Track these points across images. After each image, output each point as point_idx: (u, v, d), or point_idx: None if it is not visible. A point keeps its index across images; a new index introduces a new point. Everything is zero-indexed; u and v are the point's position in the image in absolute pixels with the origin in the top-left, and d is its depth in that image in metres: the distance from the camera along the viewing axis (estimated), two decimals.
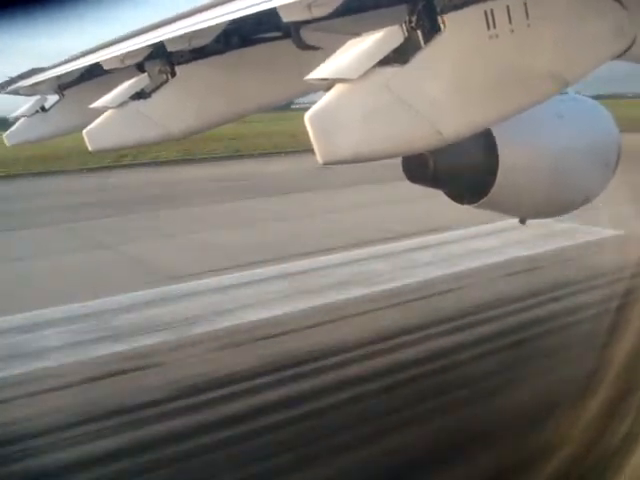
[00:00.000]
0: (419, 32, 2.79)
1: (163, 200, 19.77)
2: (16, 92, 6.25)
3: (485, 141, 5.13)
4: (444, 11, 2.80)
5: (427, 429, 5.94)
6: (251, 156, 33.09)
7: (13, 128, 6.44)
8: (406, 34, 2.77)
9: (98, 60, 4.73)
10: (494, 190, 5.27)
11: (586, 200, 6.09)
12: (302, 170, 20.34)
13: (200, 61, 4.54)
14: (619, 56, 3.24)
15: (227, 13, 3.54)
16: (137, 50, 4.38)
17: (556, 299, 9.26)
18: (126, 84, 4.58)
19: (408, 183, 5.49)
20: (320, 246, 12.79)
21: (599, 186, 6.12)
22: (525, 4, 2.84)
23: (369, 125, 2.80)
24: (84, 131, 4.73)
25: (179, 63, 4.57)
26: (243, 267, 11.56)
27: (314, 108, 2.74)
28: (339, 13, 3.07)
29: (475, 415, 6.05)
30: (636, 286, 8.87)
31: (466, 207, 5.64)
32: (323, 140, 2.72)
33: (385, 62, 2.75)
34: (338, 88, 2.77)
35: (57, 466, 5.67)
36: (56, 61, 5.85)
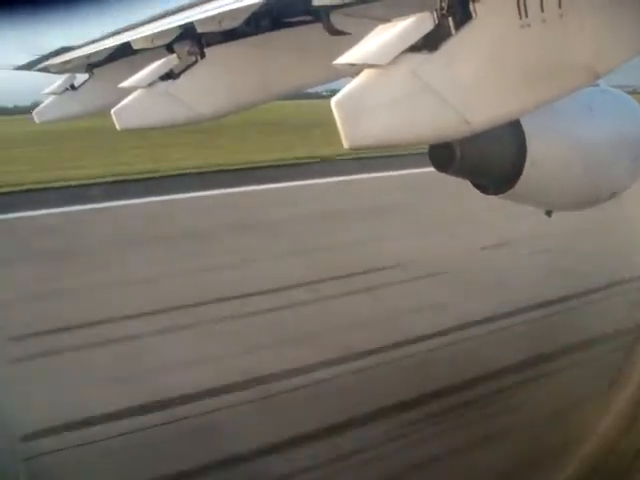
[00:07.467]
0: (450, 19, 2.75)
1: None
2: (46, 70, 6.31)
3: (513, 131, 5.07)
4: None
5: None
6: None
7: (42, 105, 6.51)
8: (437, 21, 2.73)
9: (128, 40, 4.76)
10: (521, 181, 5.21)
11: (613, 194, 6.01)
12: None
13: (230, 43, 4.54)
14: None
15: None
16: (167, 31, 4.40)
17: None
18: (155, 64, 4.60)
19: None
20: None
21: (627, 180, 6.03)
22: None
23: (396, 111, 2.78)
24: (112, 110, 4.77)
25: (209, 45, 4.57)
26: None
27: (341, 93, 2.72)
28: None
29: None
30: None
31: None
32: (349, 125, 2.71)
33: (414, 49, 2.73)
34: (366, 73, 2.75)
35: None
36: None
